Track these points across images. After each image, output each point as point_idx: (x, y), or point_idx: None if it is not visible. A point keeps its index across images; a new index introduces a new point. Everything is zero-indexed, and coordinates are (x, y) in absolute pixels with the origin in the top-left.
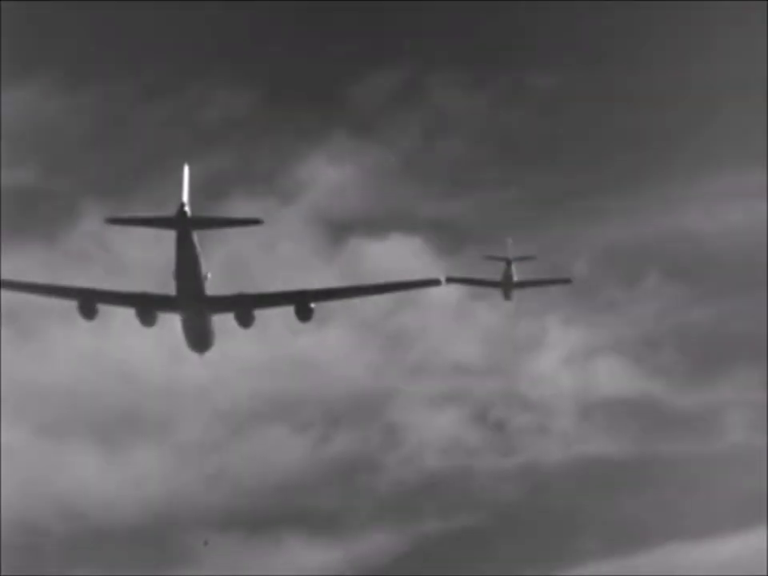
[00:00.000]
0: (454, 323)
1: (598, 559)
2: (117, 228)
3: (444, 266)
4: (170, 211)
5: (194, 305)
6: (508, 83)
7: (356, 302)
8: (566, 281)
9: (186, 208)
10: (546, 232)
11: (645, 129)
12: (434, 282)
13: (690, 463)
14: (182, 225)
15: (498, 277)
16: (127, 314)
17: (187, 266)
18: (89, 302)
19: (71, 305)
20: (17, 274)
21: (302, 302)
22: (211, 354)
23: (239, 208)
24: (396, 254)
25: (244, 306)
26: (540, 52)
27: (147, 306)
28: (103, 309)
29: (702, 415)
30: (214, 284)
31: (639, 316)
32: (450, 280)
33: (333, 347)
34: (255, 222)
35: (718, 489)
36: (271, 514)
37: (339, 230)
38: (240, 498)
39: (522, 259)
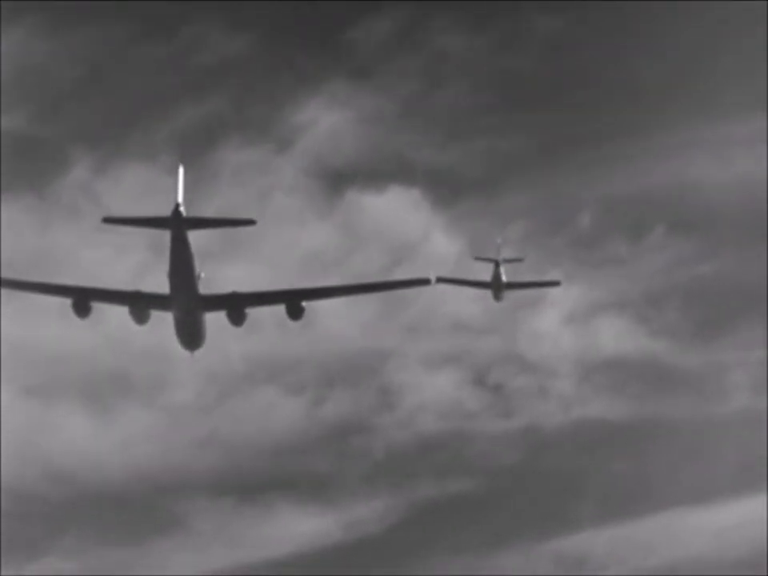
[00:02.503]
0: None
1: (598, 524)
2: (107, 179)
3: (442, 221)
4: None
5: (187, 304)
6: (511, 26)
7: (351, 259)
8: (556, 283)
9: (181, 208)
10: (549, 182)
11: (652, 74)
12: (424, 282)
13: (694, 425)
14: (177, 225)
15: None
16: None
17: (181, 265)
18: (82, 300)
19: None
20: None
21: (294, 301)
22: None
23: (234, 156)
24: (394, 207)
25: (236, 305)
26: None
27: (140, 305)
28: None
29: (706, 376)
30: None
31: (643, 272)
32: (440, 280)
33: (326, 306)
34: (250, 222)
35: (722, 452)
36: (263, 479)
37: (336, 181)
38: (231, 462)
39: (510, 261)
